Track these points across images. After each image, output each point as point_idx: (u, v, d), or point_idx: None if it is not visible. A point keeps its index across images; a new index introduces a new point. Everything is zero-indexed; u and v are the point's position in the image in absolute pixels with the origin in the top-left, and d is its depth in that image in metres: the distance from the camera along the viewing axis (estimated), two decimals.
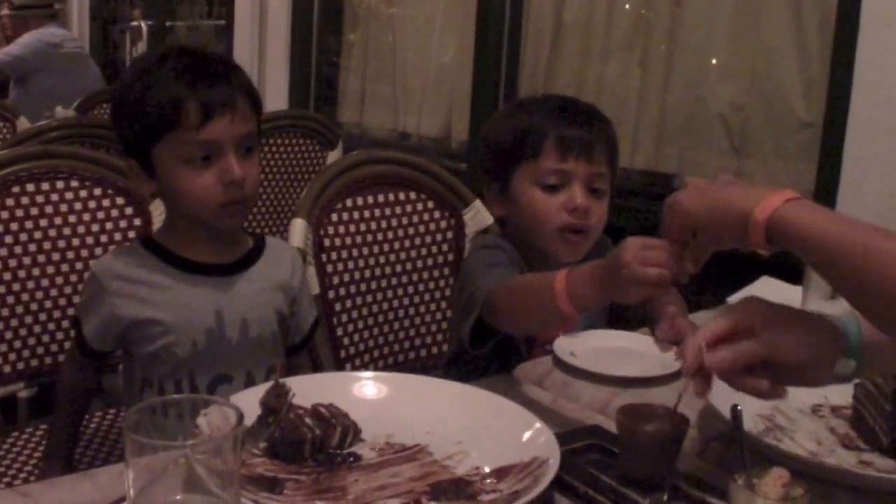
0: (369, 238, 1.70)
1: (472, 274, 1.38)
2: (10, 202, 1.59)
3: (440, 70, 3.50)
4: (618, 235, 1.54)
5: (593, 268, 1.11)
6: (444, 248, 1.78)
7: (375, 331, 1.72)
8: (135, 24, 5.41)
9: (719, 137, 2.61)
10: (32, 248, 1.60)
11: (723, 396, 1.09)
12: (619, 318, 1.58)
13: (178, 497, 0.75)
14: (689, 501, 0.96)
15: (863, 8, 2.10)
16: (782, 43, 2.48)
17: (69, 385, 1.42)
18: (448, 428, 1.06)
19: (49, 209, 1.62)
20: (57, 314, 1.63)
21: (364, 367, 1.68)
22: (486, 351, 1.37)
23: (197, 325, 1.33)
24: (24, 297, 1.60)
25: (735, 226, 0.91)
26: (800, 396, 1.22)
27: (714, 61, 2.67)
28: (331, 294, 1.65)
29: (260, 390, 1.05)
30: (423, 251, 1.76)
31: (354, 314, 1.68)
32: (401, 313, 1.74)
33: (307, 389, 1.07)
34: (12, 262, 1.58)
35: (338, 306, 1.66)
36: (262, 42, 4.04)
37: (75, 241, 1.64)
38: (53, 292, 1.62)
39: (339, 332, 1.66)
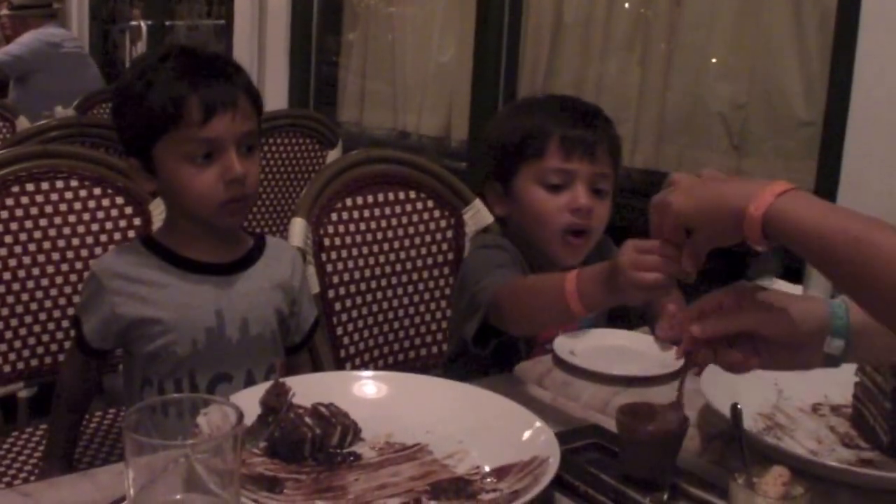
0: (369, 237, 1.70)
1: (474, 274, 1.38)
2: (9, 202, 1.59)
3: (440, 69, 3.50)
4: (618, 235, 1.55)
5: (600, 270, 1.11)
6: (444, 247, 1.78)
7: (375, 330, 1.72)
8: (134, 23, 5.42)
9: (719, 136, 2.61)
10: (32, 247, 1.60)
11: (723, 395, 1.09)
12: (620, 316, 1.58)
13: (178, 496, 0.75)
14: (690, 500, 0.96)
15: (862, 6, 2.10)
16: (782, 41, 2.48)
17: (69, 385, 1.42)
18: (448, 427, 1.06)
19: (49, 209, 1.62)
20: (57, 314, 1.63)
21: (364, 366, 1.68)
22: (488, 351, 1.37)
23: (197, 324, 1.33)
24: (24, 296, 1.60)
25: (729, 223, 0.90)
26: (800, 395, 1.22)
27: (714, 60, 2.67)
28: (330, 293, 1.65)
29: (260, 390, 1.05)
30: (423, 250, 1.76)
31: (354, 313, 1.68)
32: (401, 312, 1.74)
33: (307, 389, 1.07)
34: (12, 262, 1.58)
35: (337, 306, 1.66)
36: (261, 41, 4.04)
37: (75, 241, 1.64)
38: (53, 292, 1.62)
39: (339, 331, 1.66)
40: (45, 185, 1.62)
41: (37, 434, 1.66)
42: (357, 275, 1.68)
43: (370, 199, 1.72)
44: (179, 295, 1.33)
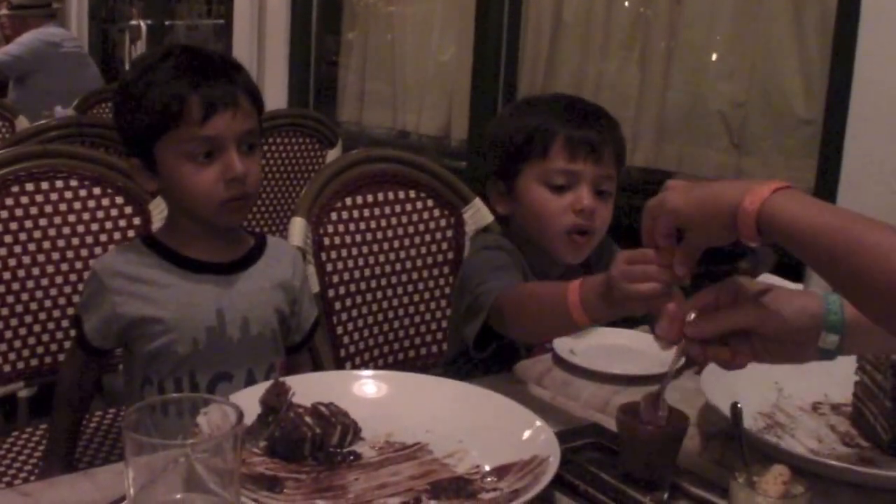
0: (369, 237, 1.70)
1: (475, 275, 1.38)
2: (9, 202, 1.58)
3: (439, 68, 3.50)
4: (618, 234, 1.55)
5: (600, 283, 1.10)
6: (444, 246, 1.78)
7: (375, 329, 1.72)
8: (134, 23, 5.41)
9: (719, 135, 2.61)
10: (32, 247, 1.60)
11: (723, 394, 1.09)
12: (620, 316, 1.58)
13: (178, 496, 0.75)
14: (690, 499, 0.96)
15: (862, 5, 2.09)
16: (782, 40, 2.48)
17: (69, 384, 1.42)
18: (448, 426, 1.06)
19: (48, 209, 1.62)
20: (57, 314, 1.63)
21: (364, 365, 1.68)
22: (487, 354, 1.37)
23: (198, 323, 1.33)
24: (24, 296, 1.60)
25: (724, 219, 0.90)
26: (800, 394, 1.22)
27: (714, 58, 2.67)
28: (330, 293, 1.65)
29: (260, 389, 1.05)
30: (423, 250, 1.76)
31: (354, 313, 1.68)
32: (400, 312, 1.74)
33: (307, 388, 1.07)
34: (12, 262, 1.58)
35: (337, 305, 1.66)
36: (261, 41, 4.04)
37: (75, 241, 1.64)
38: (53, 292, 1.62)
39: (339, 330, 1.66)
40: (44, 185, 1.62)
41: (37, 434, 1.66)
42: (357, 274, 1.68)
43: (370, 198, 1.72)
44: (180, 294, 1.33)
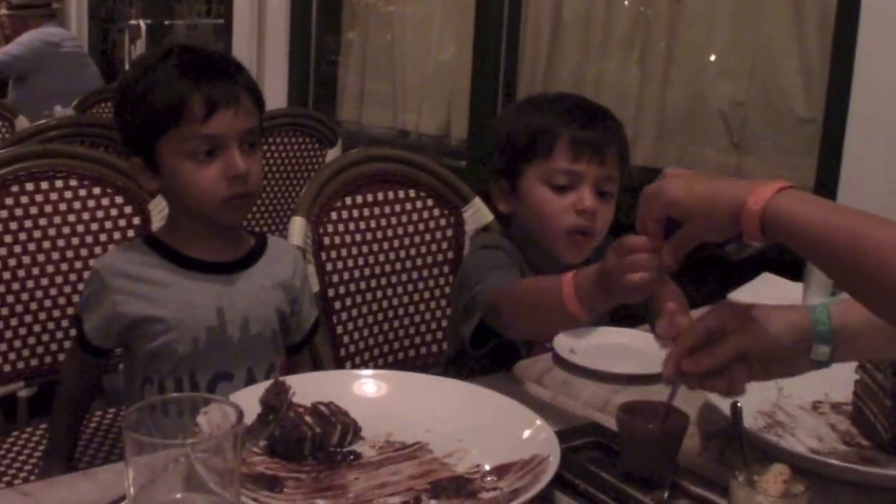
0: (369, 236, 1.70)
1: (473, 275, 1.38)
2: (9, 201, 1.58)
3: (439, 67, 3.50)
4: (618, 234, 1.55)
5: (594, 272, 1.10)
6: (444, 245, 1.78)
7: (375, 329, 1.72)
8: (133, 22, 5.41)
9: (719, 134, 2.61)
10: (32, 247, 1.60)
11: None
12: (621, 315, 1.58)
13: (178, 496, 0.75)
14: (690, 498, 0.96)
15: (862, 4, 2.09)
16: (782, 39, 2.48)
17: (69, 384, 1.42)
18: (448, 426, 1.06)
19: (48, 208, 1.62)
20: (57, 313, 1.63)
21: (364, 365, 1.68)
22: (486, 351, 1.37)
23: (198, 322, 1.33)
24: (24, 296, 1.60)
25: (726, 218, 0.90)
26: (800, 393, 1.22)
27: (713, 58, 2.67)
28: (330, 292, 1.65)
29: (260, 388, 1.05)
30: (423, 249, 1.76)
31: (354, 312, 1.68)
32: (400, 311, 1.74)
33: (307, 388, 1.07)
34: (12, 262, 1.58)
35: (337, 304, 1.66)
36: (260, 40, 4.04)
37: (74, 241, 1.64)
38: (53, 291, 1.62)
39: (339, 330, 1.66)
40: (44, 185, 1.62)
41: (37, 434, 1.66)
42: (357, 273, 1.68)
43: (370, 197, 1.72)
44: (181, 293, 1.33)
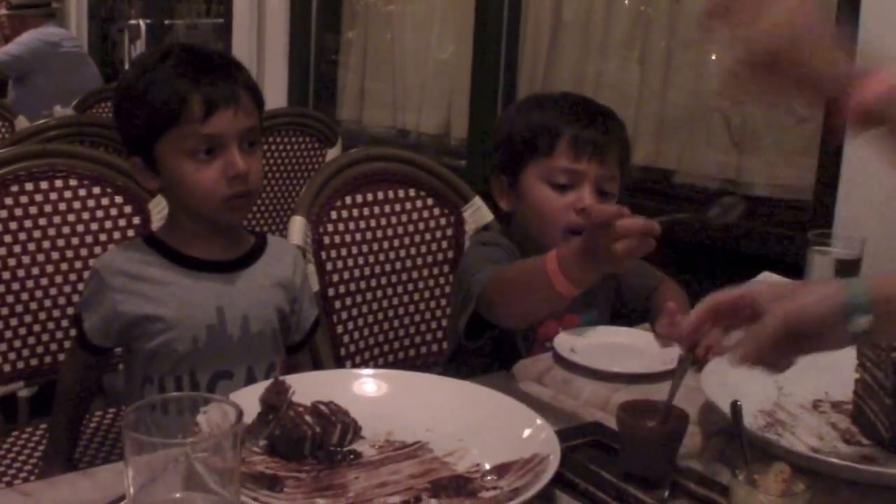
0: (369, 235, 1.70)
1: (468, 270, 1.39)
2: (8, 201, 1.58)
3: (439, 67, 3.49)
4: None
5: (578, 244, 1.11)
6: (444, 245, 1.78)
7: (375, 328, 1.72)
8: (133, 22, 5.41)
9: (719, 133, 2.61)
10: (31, 247, 1.60)
11: (723, 393, 1.09)
12: (621, 314, 1.58)
13: (178, 495, 0.75)
14: (690, 497, 0.96)
15: (863, 2, 2.09)
16: None
17: (70, 383, 1.42)
18: (448, 425, 1.06)
19: (48, 208, 1.62)
20: (57, 313, 1.63)
21: (364, 364, 1.68)
22: (482, 344, 1.37)
23: (198, 320, 1.33)
24: (24, 296, 1.60)
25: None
26: (801, 392, 1.22)
27: (714, 57, 2.66)
28: (330, 292, 1.65)
29: (260, 388, 1.05)
30: (423, 248, 1.76)
31: (354, 312, 1.68)
32: (401, 311, 1.74)
33: (307, 387, 1.07)
34: (12, 262, 1.58)
35: (337, 304, 1.66)
36: (260, 40, 4.03)
37: (74, 240, 1.64)
38: (53, 291, 1.62)
39: (339, 329, 1.66)
40: (44, 185, 1.62)
41: (37, 434, 1.66)
42: (357, 273, 1.68)
43: (370, 197, 1.71)
44: (181, 292, 1.33)
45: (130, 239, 1.66)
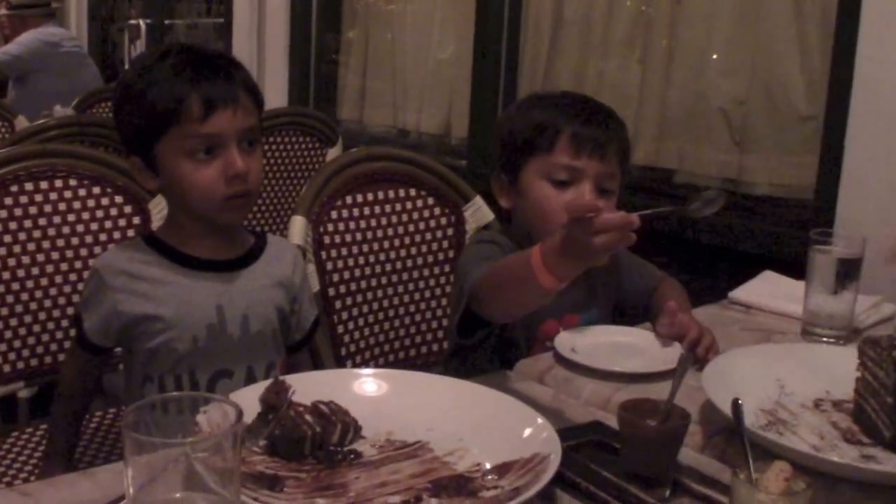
0: (369, 235, 1.70)
1: (464, 268, 1.39)
2: (8, 201, 1.58)
3: (439, 66, 3.49)
4: None
5: (559, 240, 1.11)
6: (445, 244, 1.78)
7: (376, 328, 1.71)
8: (133, 22, 5.41)
9: (720, 132, 2.60)
10: (31, 247, 1.60)
11: (724, 392, 1.09)
12: (623, 314, 1.58)
13: (178, 495, 0.75)
14: (691, 496, 0.96)
15: (863, 1, 2.09)
16: (783, 37, 2.47)
17: (70, 383, 1.42)
18: (449, 424, 1.06)
19: (48, 208, 1.62)
20: (56, 313, 1.63)
21: (364, 364, 1.68)
22: (478, 341, 1.37)
23: (198, 320, 1.33)
24: (24, 296, 1.60)
25: None
26: (802, 391, 1.22)
27: (714, 56, 2.66)
28: (331, 291, 1.64)
29: (260, 387, 1.05)
30: (424, 248, 1.76)
31: (354, 311, 1.68)
32: (401, 310, 1.74)
33: (307, 386, 1.07)
34: (11, 262, 1.58)
35: (338, 304, 1.66)
36: (260, 40, 4.03)
37: (74, 240, 1.64)
38: (53, 291, 1.62)
39: (339, 329, 1.66)
40: (43, 185, 1.62)
41: (37, 434, 1.66)
42: (357, 273, 1.68)
43: (370, 196, 1.71)
44: (181, 292, 1.33)
45: (130, 239, 1.66)
